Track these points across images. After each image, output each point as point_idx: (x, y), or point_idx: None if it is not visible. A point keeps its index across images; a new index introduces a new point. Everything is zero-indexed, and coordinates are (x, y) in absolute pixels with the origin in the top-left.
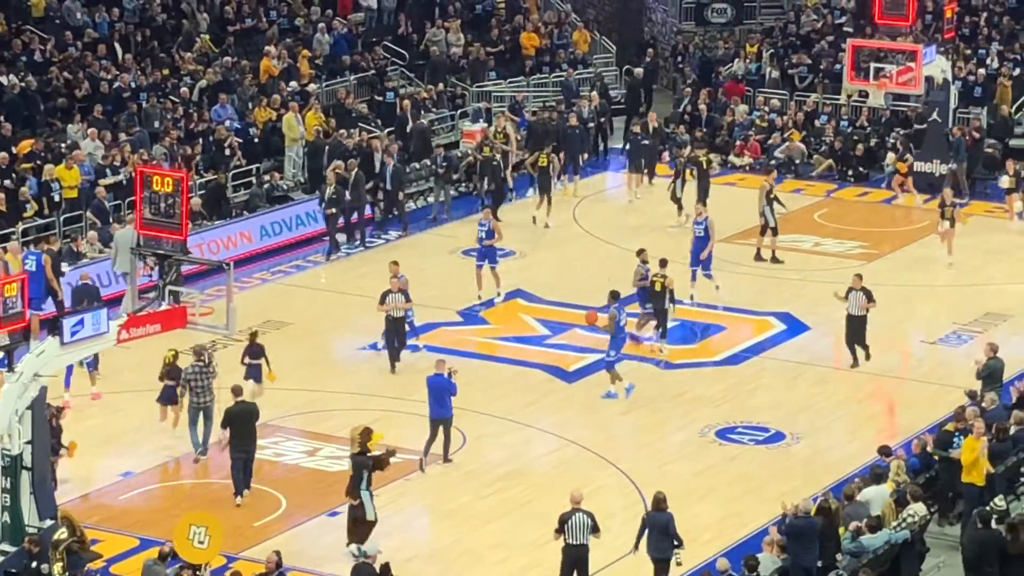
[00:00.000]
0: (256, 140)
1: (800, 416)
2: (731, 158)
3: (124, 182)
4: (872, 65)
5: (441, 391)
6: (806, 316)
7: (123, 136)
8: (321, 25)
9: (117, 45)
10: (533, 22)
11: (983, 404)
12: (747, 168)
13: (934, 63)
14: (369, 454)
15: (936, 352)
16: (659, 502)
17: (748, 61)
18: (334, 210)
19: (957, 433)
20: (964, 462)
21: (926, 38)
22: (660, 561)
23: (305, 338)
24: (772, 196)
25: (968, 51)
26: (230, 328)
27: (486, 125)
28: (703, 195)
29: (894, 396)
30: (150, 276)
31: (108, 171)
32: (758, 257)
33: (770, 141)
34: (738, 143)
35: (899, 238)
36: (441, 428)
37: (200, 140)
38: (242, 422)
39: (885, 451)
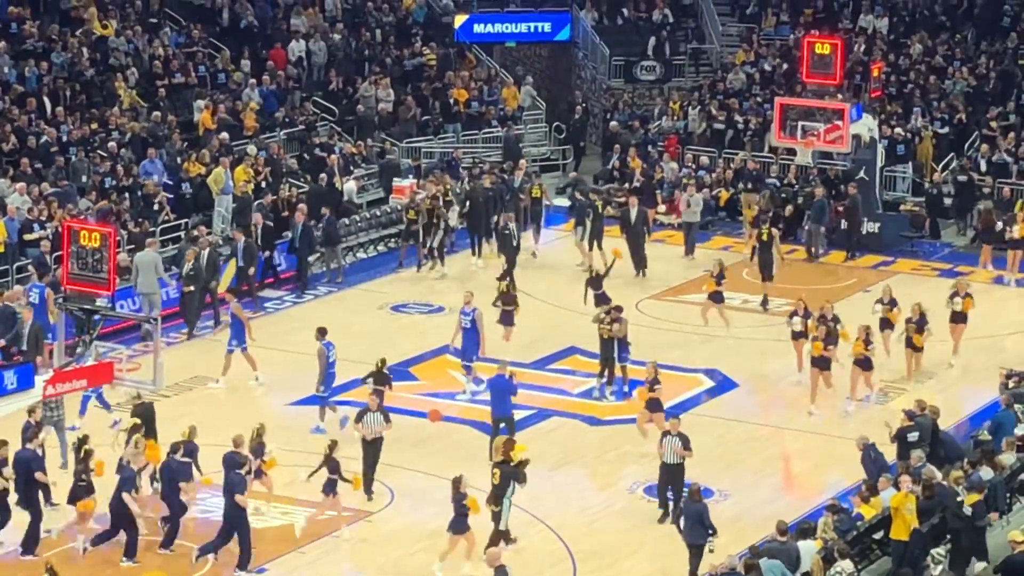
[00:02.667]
0: (187, 196)
1: (728, 473)
2: (659, 216)
3: (50, 237)
4: (800, 123)
5: (502, 392)
6: (734, 373)
7: (49, 188)
8: (252, 80)
9: (46, 99)
10: (463, 79)
11: (910, 461)
12: (675, 226)
13: (861, 122)
14: (512, 464)
15: (862, 409)
16: (694, 493)
17: (675, 118)
18: (192, 288)
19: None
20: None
21: (853, 97)
22: (694, 546)
23: (232, 394)
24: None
25: (899, 110)
26: (157, 383)
27: (416, 181)
28: (597, 237)
29: (821, 454)
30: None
31: (35, 225)
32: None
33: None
34: (665, 201)
35: (827, 295)
36: (503, 425)
37: (127, 195)
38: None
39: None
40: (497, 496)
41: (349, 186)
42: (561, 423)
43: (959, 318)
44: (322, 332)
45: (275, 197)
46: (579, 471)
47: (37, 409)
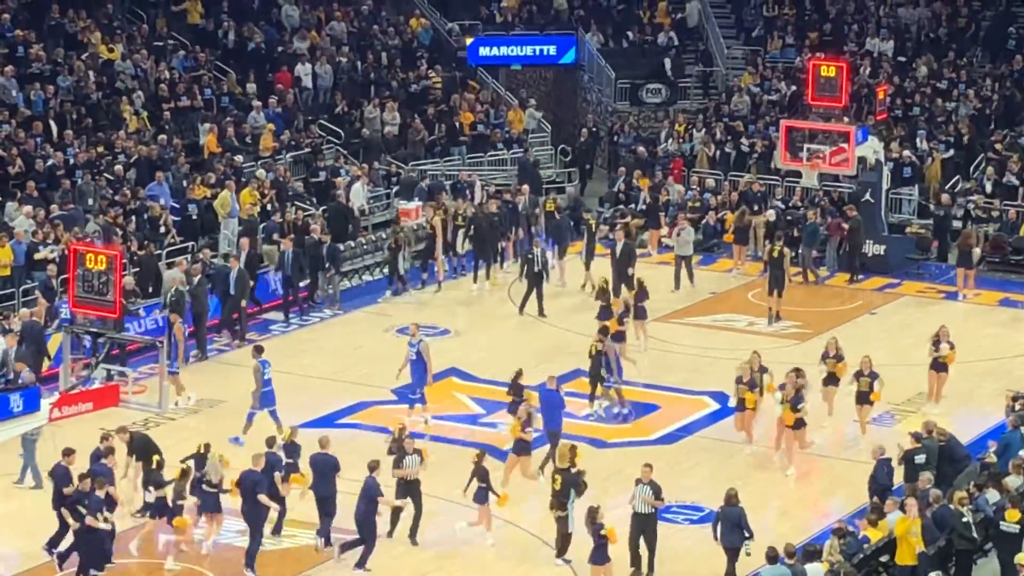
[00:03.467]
0: (194, 218)
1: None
2: (664, 239)
3: (57, 259)
4: (805, 146)
5: (554, 405)
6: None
7: (56, 211)
8: (257, 103)
9: (52, 122)
10: (468, 101)
11: (918, 484)
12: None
13: (867, 144)
14: (574, 470)
15: (870, 432)
16: (731, 498)
17: (681, 141)
18: (172, 314)
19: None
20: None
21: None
22: (731, 550)
23: (238, 416)
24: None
25: (901, 132)
26: (162, 406)
27: (421, 204)
28: (589, 256)
29: (828, 476)
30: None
31: (41, 248)
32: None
33: (704, 221)
34: (670, 224)
35: (833, 317)
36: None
37: (133, 217)
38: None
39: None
40: (561, 502)
41: (356, 188)
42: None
43: (941, 367)
44: (258, 350)
45: (282, 220)
46: (586, 494)
47: (112, 436)
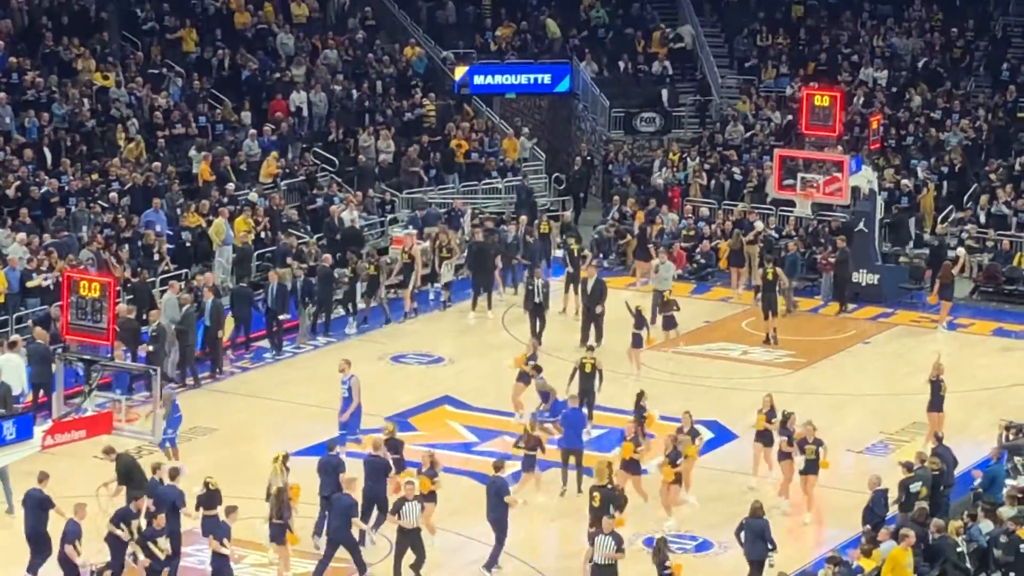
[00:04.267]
0: (188, 245)
1: (728, 525)
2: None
3: (52, 287)
4: (799, 175)
5: (575, 424)
6: (734, 424)
7: (49, 239)
8: (252, 131)
9: (46, 149)
10: (464, 130)
11: (912, 513)
12: (674, 277)
13: (860, 173)
14: (610, 487)
15: (864, 461)
16: (756, 510)
17: (675, 170)
18: (152, 348)
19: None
20: (884, 572)
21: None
22: (755, 562)
23: (230, 445)
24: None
25: (896, 162)
26: (155, 435)
27: (415, 231)
28: (574, 281)
29: (821, 505)
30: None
31: (34, 275)
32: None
33: (698, 249)
34: (663, 252)
35: (827, 347)
36: (573, 458)
37: (127, 245)
38: None
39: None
40: (599, 520)
41: (346, 215)
42: (554, 474)
43: (935, 405)
44: (167, 378)
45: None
46: (579, 523)
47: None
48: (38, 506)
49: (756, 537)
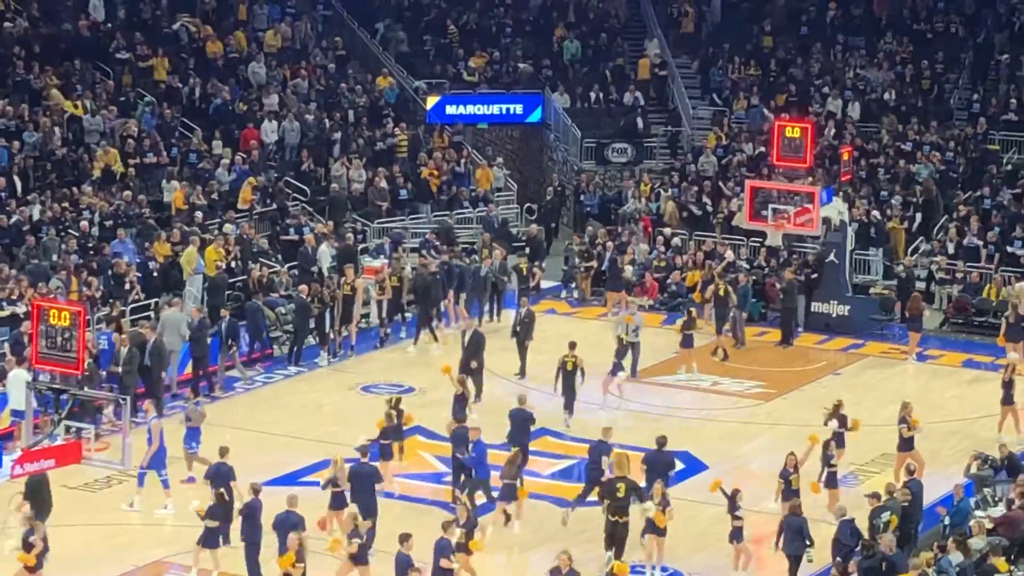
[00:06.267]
0: (155, 275)
1: (698, 555)
2: (629, 299)
3: (21, 315)
4: (770, 206)
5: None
6: (705, 455)
7: (17, 270)
8: (224, 161)
9: (16, 178)
10: (436, 160)
11: (881, 548)
12: (645, 307)
13: (831, 205)
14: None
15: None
16: (795, 507)
17: (647, 200)
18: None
19: None
20: None
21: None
22: (794, 557)
23: (200, 473)
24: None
25: (863, 194)
26: (125, 463)
27: (387, 261)
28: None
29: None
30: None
31: (4, 304)
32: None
33: (669, 280)
34: (636, 284)
35: (797, 378)
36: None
37: (99, 274)
38: None
39: None
40: (624, 509)
41: (323, 250)
42: (532, 505)
43: (906, 445)
44: (153, 402)
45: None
46: (551, 553)
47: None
48: None
49: (795, 534)
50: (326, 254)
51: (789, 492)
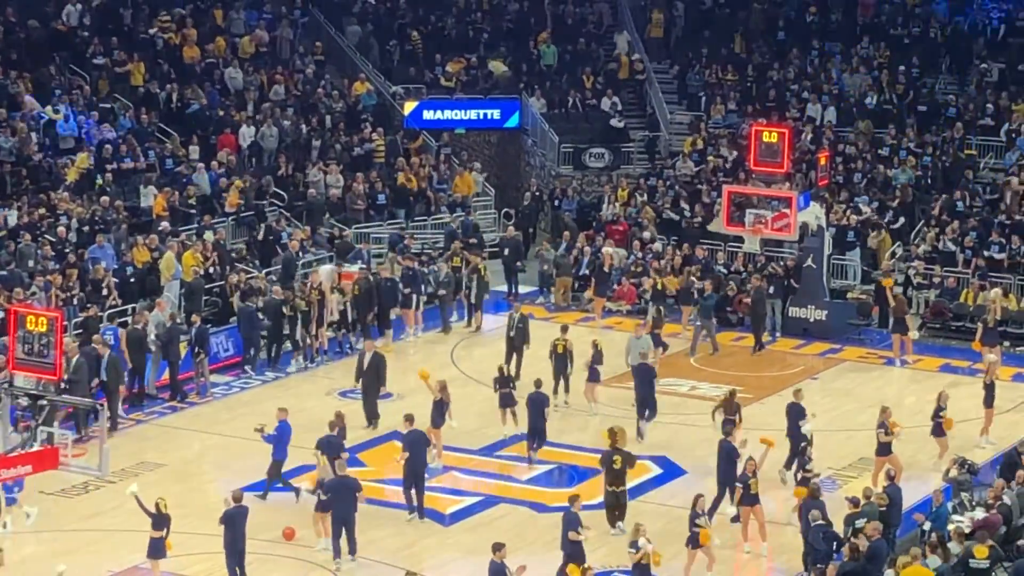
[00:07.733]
0: (132, 280)
1: (676, 561)
2: (608, 304)
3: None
4: (747, 211)
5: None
6: (683, 460)
7: None
8: (200, 165)
9: None
10: (413, 165)
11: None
12: (623, 312)
13: (808, 210)
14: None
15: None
16: (815, 490)
17: (627, 206)
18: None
19: None
20: None
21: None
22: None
23: (179, 480)
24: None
25: (842, 198)
26: (103, 469)
27: (365, 266)
28: (479, 300)
29: (770, 541)
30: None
31: None
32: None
33: (643, 286)
34: (616, 288)
35: (774, 382)
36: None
37: (76, 279)
38: None
39: None
40: (622, 478)
41: (325, 269)
42: (509, 510)
43: (884, 450)
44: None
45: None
46: (528, 559)
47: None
48: None
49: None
50: (330, 273)
51: (748, 496)
